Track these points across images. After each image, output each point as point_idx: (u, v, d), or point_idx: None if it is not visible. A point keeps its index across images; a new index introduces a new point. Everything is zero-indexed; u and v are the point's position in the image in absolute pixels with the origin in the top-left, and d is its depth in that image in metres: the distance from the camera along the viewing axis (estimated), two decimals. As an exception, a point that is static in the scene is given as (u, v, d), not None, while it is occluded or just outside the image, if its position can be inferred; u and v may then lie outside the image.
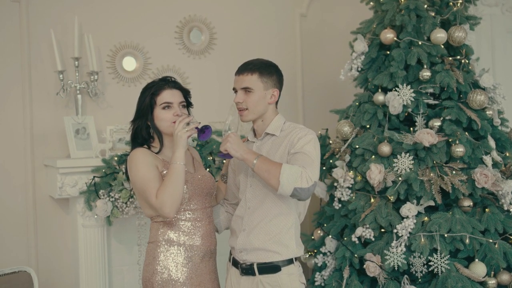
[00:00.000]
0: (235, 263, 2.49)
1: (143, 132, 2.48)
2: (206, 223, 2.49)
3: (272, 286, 2.38)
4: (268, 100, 2.44)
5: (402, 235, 3.08)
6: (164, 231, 2.44)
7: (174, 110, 2.45)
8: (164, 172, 2.41)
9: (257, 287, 2.39)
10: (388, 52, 3.46)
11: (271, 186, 2.29)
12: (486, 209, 3.17)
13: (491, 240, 3.07)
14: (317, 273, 3.43)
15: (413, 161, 3.16)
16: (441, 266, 3.00)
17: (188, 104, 2.55)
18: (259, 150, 2.47)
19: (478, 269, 3.01)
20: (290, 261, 2.41)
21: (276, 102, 2.50)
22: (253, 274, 2.40)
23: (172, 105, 2.45)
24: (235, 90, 2.46)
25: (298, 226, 2.48)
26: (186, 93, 2.55)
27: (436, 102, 3.36)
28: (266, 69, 2.43)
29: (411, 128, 3.36)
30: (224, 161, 2.55)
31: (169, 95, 2.46)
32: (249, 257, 2.41)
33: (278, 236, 2.38)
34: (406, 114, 3.35)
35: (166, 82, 2.50)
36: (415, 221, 3.08)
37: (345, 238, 3.32)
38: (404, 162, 3.16)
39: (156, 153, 2.46)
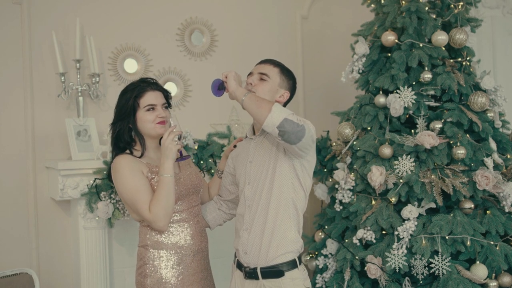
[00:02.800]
0: (239, 265, 2.49)
1: (125, 135, 2.48)
2: (193, 222, 2.50)
3: None
4: (277, 97, 2.48)
5: (403, 237, 3.08)
6: (153, 235, 2.44)
7: (157, 112, 2.46)
8: (150, 176, 2.40)
9: None
10: (389, 54, 3.46)
11: (259, 118, 2.24)
12: (487, 211, 3.17)
13: (492, 242, 3.07)
14: (318, 275, 3.43)
15: (414, 163, 3.16)
16: (442, 268, 2.99)
17: (168, 105, 2.56)
18: (257, 147, 2.48)
19: (479, 271, 3.00)
20: (294, 265, 2.40)
21: (284, 106, 2.52)
22: (257, 278, 2.40)
23: (156, 107, 2.47)
24: (250, 74, 2.49)
25: (297, 217, 2.44)
26: (167, 94, 2.56)
27: (437, 104, 3.36)
28: (288, 72, 2.53)
29: (412, 130, 3.35)
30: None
31: (152, 97, 2.47)
32: (252, 259, 2.41)
33: (276, 229, 2.38)
34: (407, 116, 3.35)
35: (148, 84, 2.50)
36: (416, 223, 3.08)
37: (346, 240, 3.32)
38: (405, 164, 3.16)
39: (139, 157, 2.46)
